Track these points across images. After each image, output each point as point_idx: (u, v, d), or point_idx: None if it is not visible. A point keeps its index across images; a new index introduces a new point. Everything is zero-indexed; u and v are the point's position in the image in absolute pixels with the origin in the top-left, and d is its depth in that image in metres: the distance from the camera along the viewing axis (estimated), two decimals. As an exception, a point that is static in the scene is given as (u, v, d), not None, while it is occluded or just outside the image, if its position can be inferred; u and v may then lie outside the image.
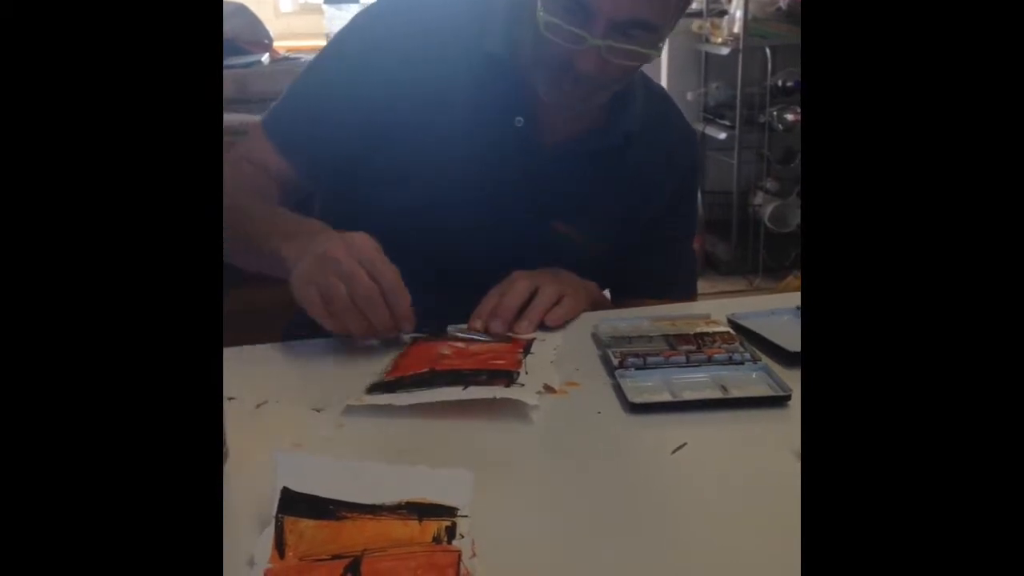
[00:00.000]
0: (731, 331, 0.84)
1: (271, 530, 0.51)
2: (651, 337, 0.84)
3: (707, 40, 3.35)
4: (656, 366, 0.77)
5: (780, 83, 3.26)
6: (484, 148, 0.97)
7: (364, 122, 0.97)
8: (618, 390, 0.74)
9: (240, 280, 0.84)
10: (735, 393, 0.74)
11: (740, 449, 0.67)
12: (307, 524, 0.52)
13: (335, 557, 0.50)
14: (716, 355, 0.78)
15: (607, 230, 1.04)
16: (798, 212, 3.24)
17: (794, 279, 3.12)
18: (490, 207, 0.97)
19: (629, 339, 0.83)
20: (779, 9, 3.15)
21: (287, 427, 0.70)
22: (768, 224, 3.32)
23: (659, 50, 0.88)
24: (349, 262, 0.77)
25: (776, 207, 3.32)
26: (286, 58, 2.48)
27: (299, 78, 1.02)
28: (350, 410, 0.71)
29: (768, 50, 3.20)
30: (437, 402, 0.70)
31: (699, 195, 1.22)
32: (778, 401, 0.72)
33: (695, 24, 3.38)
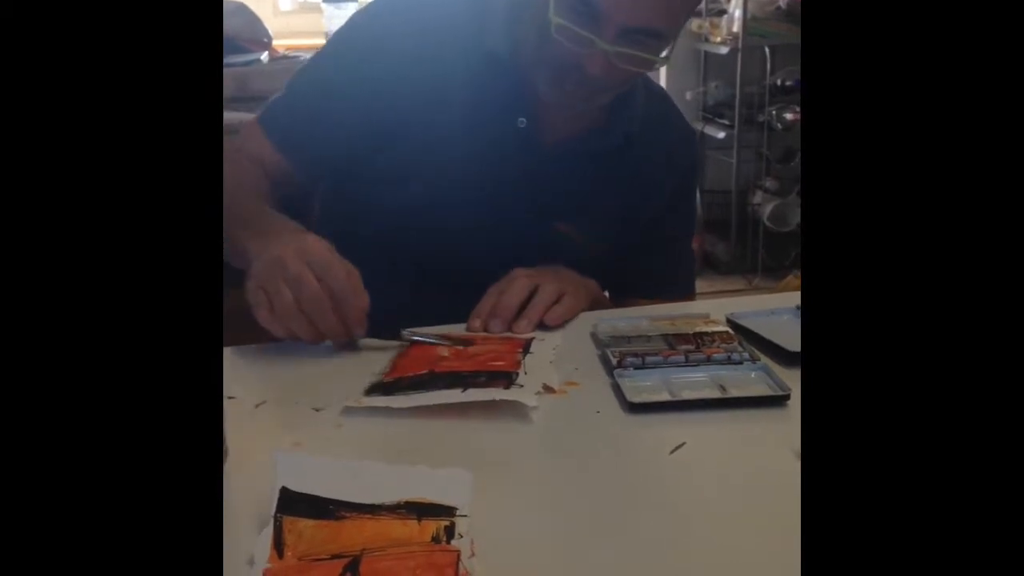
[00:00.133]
0: (730, 331, 0.84)
1: (270, 529, 0.51)
2: (650, 337, 0.84)
3: (706, 39, 3.35)
4: (655, 366, 0.77)
5: (779, 82, 3.26)
6: (484, 147, 0.97)
7: (363, 121, 0.96)
8: (617, 390, 0.74)
9: (240, 279, 0.83)
10: (734, 393, 0.74)
11: (739, 449, 0.67)
12: (306, 524, 0.52)
13: (334, 557, 0.50)
14: (715, 355, 0.78)
15: (607, 230, 1.04)
16: (797, 211, 3.24)
17: (793, 278, 3.12)
18: (490, 207, 0.97)
19: (628, 339, 0.83)
20: (778, 8, 3.15)
21: (286, 427, 0.70)
22: (767, 223, 3.32)
23: (666, 59, 0.89)
24: (296, 265, 0.75)
25: (775, 206, 3.32)
26: (285, 56, 2.49)
27: (297, 75, 1.02)
28: (349, 410, 0.71)
29: (767, 49, 3.20)
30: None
31: (698, 194, 1.22)
32: (777, 401, 0.72)
33: (694, 23, 3.38)
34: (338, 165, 1.01)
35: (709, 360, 0.78)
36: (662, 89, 1.12)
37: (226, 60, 2.14)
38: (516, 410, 0.70)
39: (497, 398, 0.70)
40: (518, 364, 0.77)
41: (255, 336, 0.84)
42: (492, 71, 0.95)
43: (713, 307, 0.92)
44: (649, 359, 0.77)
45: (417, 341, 0.83)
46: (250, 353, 0.83)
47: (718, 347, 0.80)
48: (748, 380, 0.76)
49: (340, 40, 1.02)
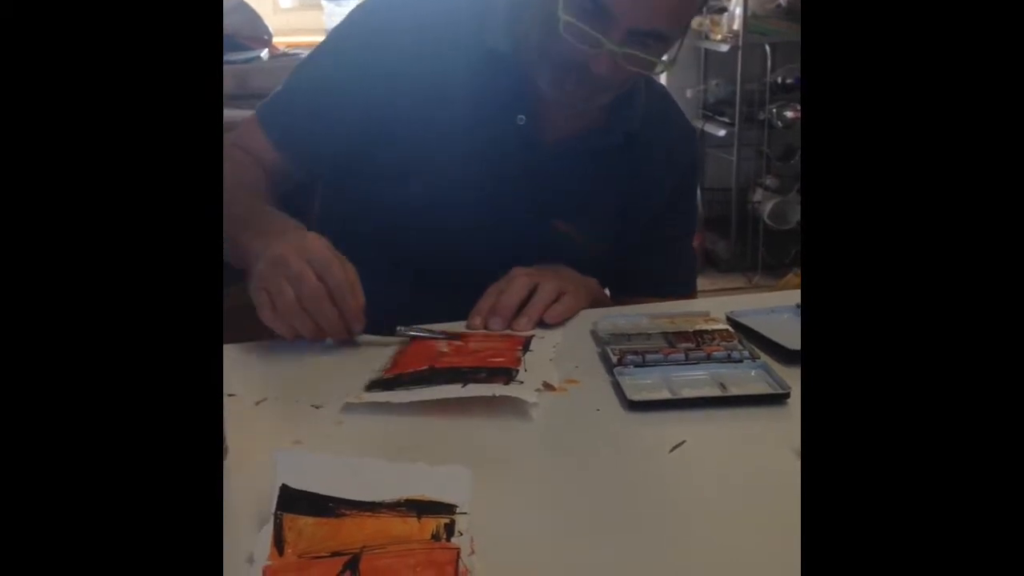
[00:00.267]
0: (730, 329, 0.84)
1: (270, 527, 0.51)
2: (650, 335, 0.84)
3: (707, 37, 3.34)
4: (655, 364, 0.77)
5: (780, 80, 3.25)
6: (485, 145, 0.96)
7: (362, 118, 0.96)
8: (617, 388, 0.74)
9: (239, 277, 0.83)
10: (734, 391, 0.74)
11: (739, 447, 0.67)
12: (306, 521, 0.52)
13: (334, 554, 0.50)
14: (715, 353, 0.78)
15: (607, 228, 1.04)
16: (798, 209, 3.24)
17: (794, 276, 3.12)
18: (489, 205, 0.97)
19: (628, 336, 0.83)
20: (779, 6, 3.15)
21: (286, 424, 0.70)
22: (768, 221, 3.32)
23: (671, 63, 0.90)
24: (297, 263, 0.76)
25: (776, 204, 3.32)
26: (285, 54, 2.48)
27: (296, 71, 1.02)
28: (349, 407, 0.71)
29: (768, 47, 3.19)
30: (436, 400, 0.70)
31: (698, 192, 1.22)
32: (777, 399, 0.72)
33: (695, 20, 3.37)
34: (337, 162, 1.01)
35: (709, 358, 0.78)
36: (662, 87, 1.12)
37: (226, 57, 2.14)
38: (516, 408, 0.70)
39: (497, 393, 0.70)
40: (518, 361, 0.77)
41: (255, 333, 0.84)
42: (492, 68, 0.95)
43: (713, 305, 0.92)
44: (649, 357, 0.77)
45: (415, 336, 0.83)
46: (250, 350, 0.83)
47: (718, 345, 0.80)
48: (748, 378, 0.76)
49: (339, 36, 1.02)
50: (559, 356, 0.81)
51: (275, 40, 2.56)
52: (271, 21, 2.65)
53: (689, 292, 1.13)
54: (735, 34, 3.18)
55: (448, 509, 0.54)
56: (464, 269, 0.91)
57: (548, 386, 0.74)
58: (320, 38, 1.09)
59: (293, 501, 0.53)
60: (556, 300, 0.89)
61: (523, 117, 0.96)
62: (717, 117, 3.41)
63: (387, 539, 0.51)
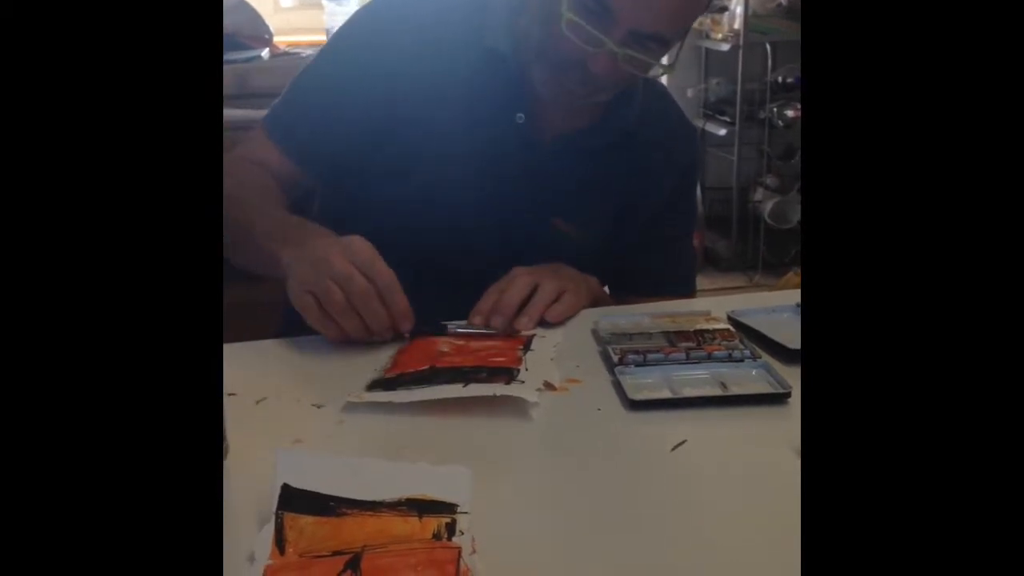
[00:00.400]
0: (731, 328, 0.84)
1: (271, 526, 0.51)
2: (651, 334, 0.84)
3: (707, 36, 3.34)
4: (656, 363, 0.77)
5: (780, 79, 3.26)
6: (484, 144, 0.97)
7: (364, 119, 0.96)
8: (618, 387, 0.74)
9: (241, 275, 0.83)
10: (735, 390, 0.74)
11: (740, 446, 0.67)
12: (307, 520, 0.52)
13: (335, 553, 0.50)
14: (716, 352, 0.78)
15: (606, 227, 1.04)
16: (798, 208, 3.24)
17: (794, 275, 3.12)
18: (490, 204, 0.97)
19: (629, 336, 0.83)
20: (779, 5, 3.15)
21: (287, 423, 0.70)
22: (768, 220, 3.32)
23: (671, 67, 0.90)
24: (343, 264, 0.77)
25: (776, 203, 3.32)
26: (286, 53, 2.48)
27: (299, 76, 1.02)
28: (350, 406, 0.71)
29: (768, 46, 3.20)
30: (437, 399, 0.70)
31: (699, 191, 1.22)
32: (778, 398, 0.72)
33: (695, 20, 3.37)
34: (341, 164, 1.01)
35: (710, 357, 0.78)
36: (662, 86, 1.12)
37: (226, 57, 2.14)
38: (517, 407, 0.70)
39: (498, 393, 0.70)
40: (519, 360, 0.77)
41: (256, 332, 0.84)
42: (491, 67, 0.95)
43: (714, 304, 0.92)
44: (650, 356, 0.77)
45: (462, 333, 0.84)
46: (251, 349, 0.83)
47: (719, 344, 0.80)
48: (749, 378, 0.76)
49: (340, 38, 1.02)
50: (560, 355, 0.81)
51: (276, 39, 2.56)
52: (272, 20, 2.64)
53: (689, 291, 1.13)
54: (736, 33, 3.18)
55: (449, 508, 0.54)
56: (464, 268, 0.91)
57: (549, 385, 0.74)
58: (320, 37, 1.09)
59: (294, 500, 0.53)
60: (557, 299, 0.89)
61: (522, 116, 0.96)
62: (718, 116, 3.41)
63: (388, 538, 0.51)
